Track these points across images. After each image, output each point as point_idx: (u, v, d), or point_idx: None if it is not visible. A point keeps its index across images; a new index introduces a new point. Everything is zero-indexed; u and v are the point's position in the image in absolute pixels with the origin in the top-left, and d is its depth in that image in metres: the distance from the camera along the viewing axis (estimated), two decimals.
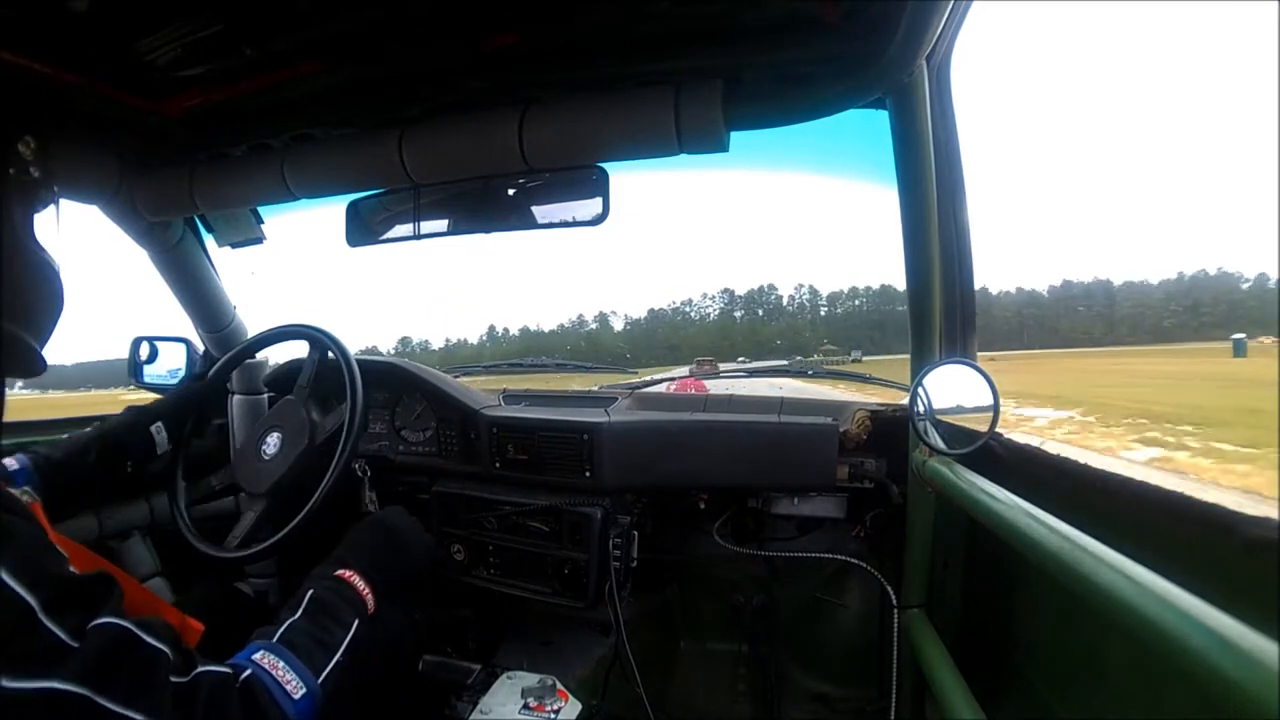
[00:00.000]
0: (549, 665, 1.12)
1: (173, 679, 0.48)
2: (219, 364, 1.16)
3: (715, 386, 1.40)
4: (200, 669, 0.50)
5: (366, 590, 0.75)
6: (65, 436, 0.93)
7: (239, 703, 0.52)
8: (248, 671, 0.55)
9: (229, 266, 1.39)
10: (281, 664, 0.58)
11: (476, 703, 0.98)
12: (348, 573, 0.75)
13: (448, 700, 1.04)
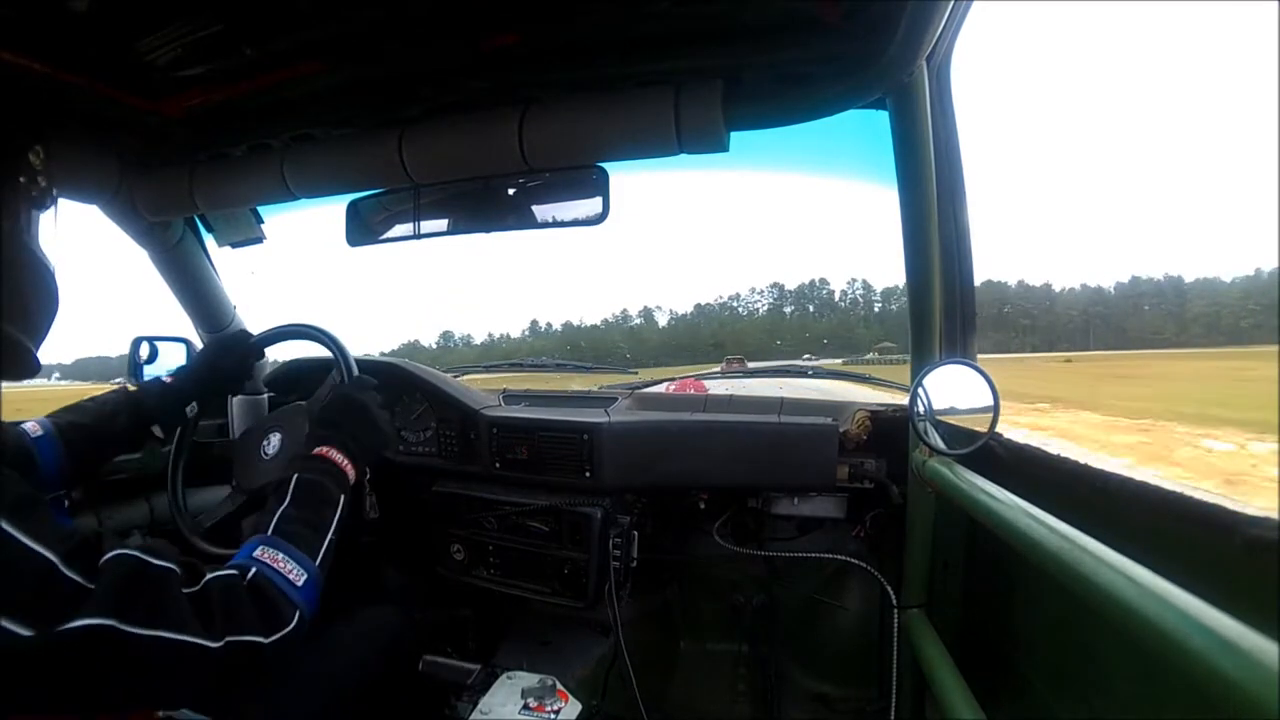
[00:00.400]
0: (549, 665, 1.12)
1: (185, 591, 0.51)
2: (265, 331, 1.12)
3: (715, 387, 1.40)
4: (209, 577, 0.53)
5: (346, 462, 0.77)
6: (89, 400, 0.92)
7: (250, 599, 0.55)
8: (252, 570, 0.57)
9: (229, 266, 1.39)
10: (281, 555, 0.61)
11: (476, 703, 0.98)
12: (325, 449, 0.77)
13: (448, 700, 1.04)
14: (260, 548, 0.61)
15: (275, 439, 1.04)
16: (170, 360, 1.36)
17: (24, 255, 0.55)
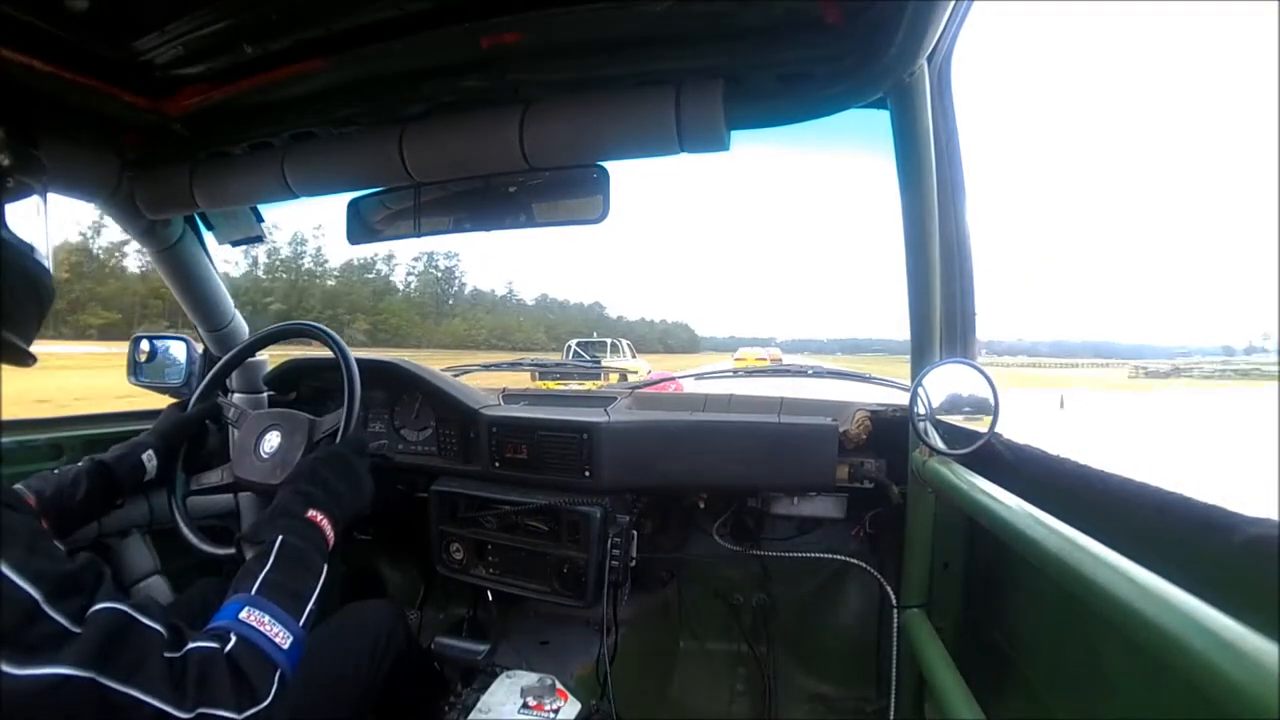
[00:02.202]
0: (548, 664, 1.12)
1: (166, 654, 0.51)
2: (268, 329, 1.13)
3: (714, 387, 1.40)
4: (190, 645, 0.53)
5: (332, 534, 0.76)
6: (54, 471, 0.90)
7: (228, 672, 0.54)
8: (231, 643, 0.56)
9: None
10: (267, 618, 0.60)
11: (476, 702, 0.98)
12: (317, 516, 0.75)
13: (447, 699, 1.04)
14: (246, 609, 0.60)
15: (274, 439, 1.04)
16: (170, 359, 1.36)
17: None
